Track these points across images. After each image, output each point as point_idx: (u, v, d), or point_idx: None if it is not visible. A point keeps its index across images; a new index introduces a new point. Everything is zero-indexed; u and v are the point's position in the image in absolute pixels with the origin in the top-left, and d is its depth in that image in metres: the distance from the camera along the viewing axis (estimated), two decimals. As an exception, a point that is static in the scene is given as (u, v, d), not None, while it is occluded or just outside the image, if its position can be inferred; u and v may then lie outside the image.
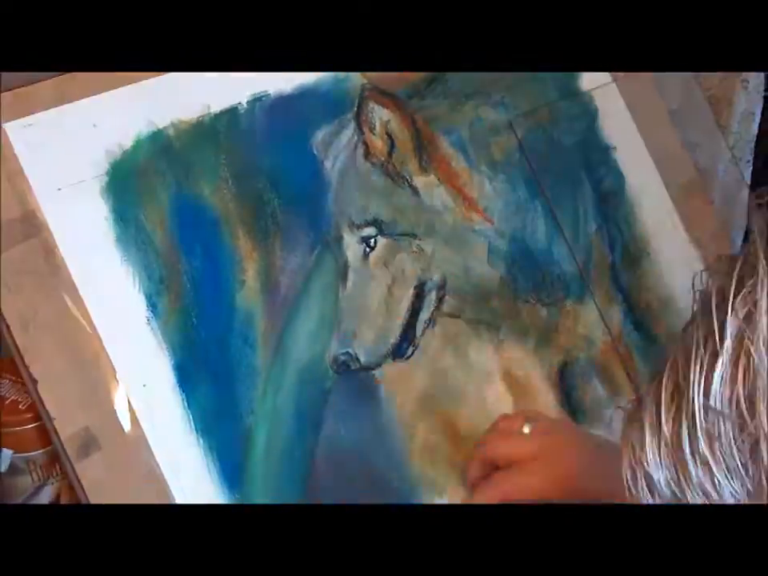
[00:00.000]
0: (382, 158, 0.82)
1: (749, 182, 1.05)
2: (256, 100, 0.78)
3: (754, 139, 1.08)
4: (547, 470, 0.76)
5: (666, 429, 0.44)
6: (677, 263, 0.93)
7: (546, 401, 0.85)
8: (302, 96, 0.79)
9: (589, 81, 0.92)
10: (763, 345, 0.42)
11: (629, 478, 0.46)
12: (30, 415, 0.69)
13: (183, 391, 0.71)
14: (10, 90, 0.69)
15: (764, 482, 0.40)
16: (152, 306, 0.71)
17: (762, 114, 1.07)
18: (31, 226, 0.68)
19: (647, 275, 0.92)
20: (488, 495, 0.76)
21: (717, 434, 0.42)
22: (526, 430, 0.77)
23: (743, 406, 0.41)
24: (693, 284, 0.47)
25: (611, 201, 0.91)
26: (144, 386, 0.70)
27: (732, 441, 0.41)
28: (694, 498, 0.41)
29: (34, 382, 0.67)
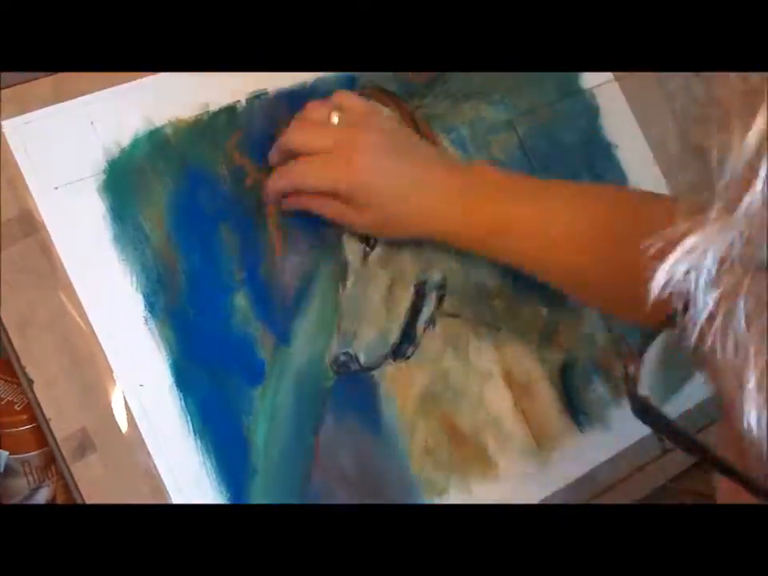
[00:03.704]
0: (382, 157, 0.81)
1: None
2: (255, 98, 0.77)
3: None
4: (341, 164, 0.73)
5: None
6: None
7: (547, 400, 0.84)
8: (301, 94, 0.79)
9: (590, 79, 0.92)
10: None
11: None
12: (25, 416, 0.69)
13: (180, 391, 0.70)
14: (7, 87, 0.68)
15: None
16: (149, 305, 0.71)
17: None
18: (28, 224, 0.68)
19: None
20: (276, 185, 0.75)
21: None
22: (335, 119, 0.75)
23: None
24: None
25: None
26: (141, 386, 0.69)
27: None
28: None
29: (30, 382, 0.66)
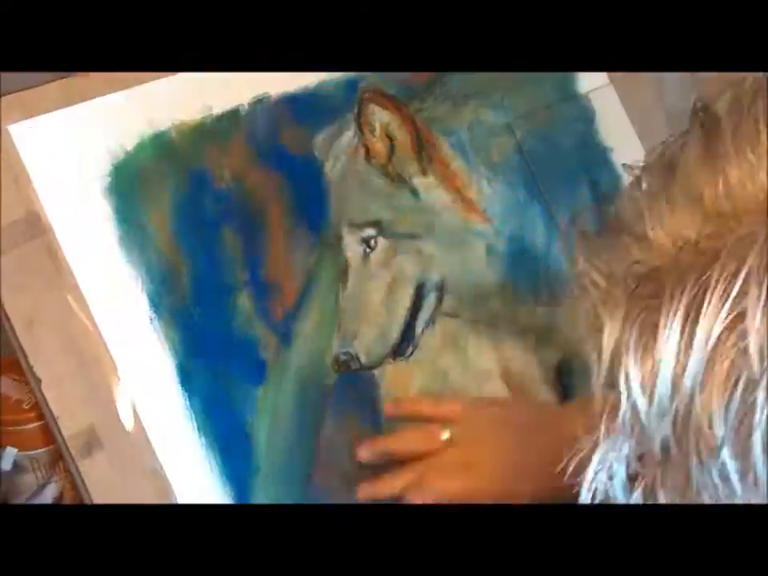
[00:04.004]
0: (382, 160, 0.82)
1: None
2: (257, 101, 0.78)
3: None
4: (467, 470, 0.72)
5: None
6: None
7: (546, 400, 0.85)
8: (303, 98, 0.80)
9: (587, 83, 0.92)
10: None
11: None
12: (33, 414, 0.70)
13: (185, 390, 0.71)
14: (14, 92, 0.69)
15: None
16: (154, 306, 0.71)
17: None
18: (35, 226, 0.69)
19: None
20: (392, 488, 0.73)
21: None
22: (446, 435, 0.74)
23: None
24: None
25: (609, 202, 0.91)
26: (146, 385, 0.70)
27: None
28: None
29: (38, 381, 0.67)
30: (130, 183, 0.72)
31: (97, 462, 0.68)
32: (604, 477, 0.43)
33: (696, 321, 0.40)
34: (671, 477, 0.42)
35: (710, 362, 0.40)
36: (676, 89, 0.98)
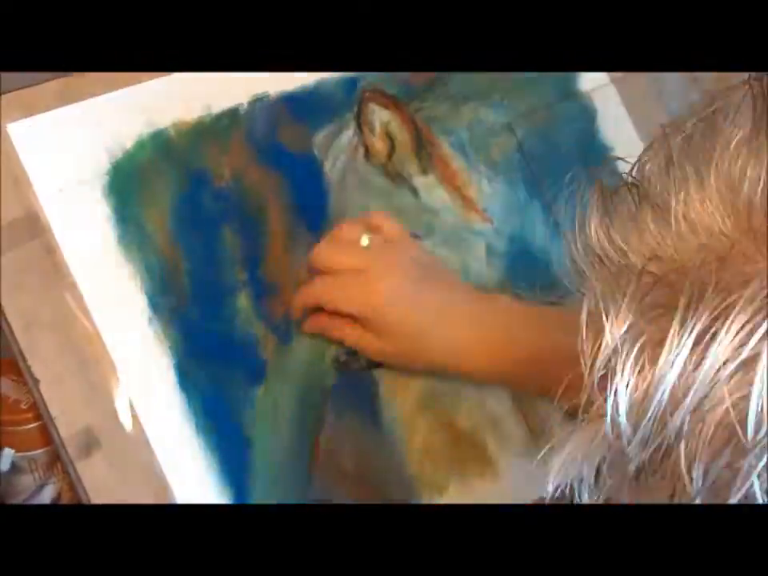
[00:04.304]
0: (382, 159, 0.82)
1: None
2: (257, 101, 0.78)
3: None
4: (365, 288, 0.72)
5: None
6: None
7: (546, 400, 0.85)
8: (302, 97, 0.80)
9: (587, 82, 0.92)
10: None
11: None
12: (31, 415, 0.69)
13: (184, 391, 0.71)
14: (12, 91, 0.69)
15: None
16: (153, 305, 0.71)
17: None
18: (33, 226, 0.69)
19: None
20: (300, 299, 0.74)
21: None
22: (365, 241, 0.74)
23: None
24: None
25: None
26: (145, 385, 0.70)
27: None
28: None
29: (36, 381, 0.67)
30: (128, 182, 0.72)
31: (95, 462, 0.68)
32: (572, 472, 0.42)
33: (710, 343, 0.36)
34: (639, 493, 0.41)
35: (708, 400, 0.36)
36: (677, 88, 0.98)
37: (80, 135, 0.71)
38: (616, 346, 0.39)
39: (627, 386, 0.38)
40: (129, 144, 0.73)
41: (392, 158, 0.82)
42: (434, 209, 0.83)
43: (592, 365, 0.40)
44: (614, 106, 0.93)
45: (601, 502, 0.41)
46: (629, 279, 0.40)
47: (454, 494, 0.79)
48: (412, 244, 0.78)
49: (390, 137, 0.82)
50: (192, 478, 0.70)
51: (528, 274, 0.86)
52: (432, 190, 0.84)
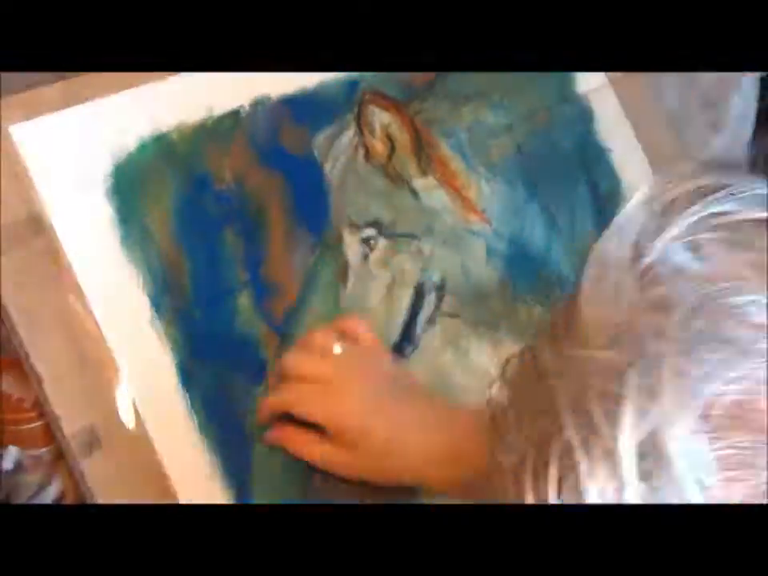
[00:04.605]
0: (382, 160, 0.82)
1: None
2: (258, 103, 0.78)
3: (750, 140, 1.08)
4: (334, 399, 0.70)
5: None
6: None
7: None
8: (303, 98, 0.80)
9: (585, 83, 0.92)
10: None
11: None
12: (34, 413, 0.70)
13: (186, 390, 0.71)
14: (16, 93, 0.69)
15: None
16: (156, 306, 0.72)
17: (757, 115, 1.08)
18: (37, 227, 0.69)
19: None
20: (267, 405, 0.72)
21: None
22: (337, 350, 0.72)
23: None
24: None
25: (608, 203, 0.92)
26: (148, 384, 0.70)
27: None
28: None
29: (39, 380, 0.67)
30: (131, 184, 0.72)
31: (98, 461, 0.68)
32: None
33: None
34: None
35: None
36: (675, 89, 0.98)
37: (83, 137, 0.71)
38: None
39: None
40: (131, 146, 0.73)
41: (392, 160, 0.83)
42: (433, 210, 0.84)
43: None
44: (611, 107, 0.93)
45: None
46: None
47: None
48: (384, 354, 0.76)
49: (390, 138, 0.82)
50: (194, 477, 0.70)
51: (527, 274, 0.87)
52: (432, 191, 0.84)
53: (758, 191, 0.42)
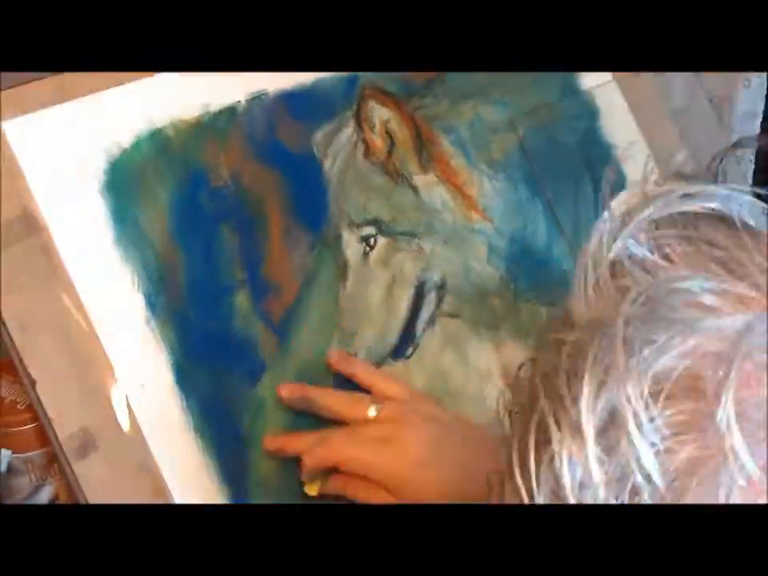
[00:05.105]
0: (382, 157, 0.82)
1: (751, 182, 1.05)
2: (255, 99, 0.78)
3: (757, 138, 1.08)
4: (393, 460, 0.71)
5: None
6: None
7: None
8: (301, 95, 0.79)
9: (590, 80, 0.92)
10: None
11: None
12: (28, 415, 0.69)
13: (182, 391, 0.71)
14: (8, 88, 0.68)
15: None
16: (151, 305, 0.71)
17: (764, 113, 1.07)
18: (30, 225, 0.68)
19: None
20: (317, 458, 0.72)
21: None
22: (372, 413, 0.73)
23: None
24: None
25: (612, 200, 0.91)
26: (142, 385, 0.69)
27: None
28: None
29: (33, 382, 0.67)
30: (126, 181, 0.72)
31: (92, 463, 0.67)
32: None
33: None
34: None
35: None
36: (680, 86, 0.97)
37: (77, 133, 0.71)
38: None
39: None
40: (126, 142, 0.72)
41: (392, 156, 0.82)
42: (434, 207, 0.83)
43: None
44: (616, 103, 0.93)
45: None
46: None
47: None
48: (425, 400, 0.77)
49: (389, 134, 0.82)
50: (190, 478, 0.70)
51: (529, 273, 0.86)
52: (432, 189, 0.83)
53: (721, 192, 0.47)
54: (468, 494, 0.68)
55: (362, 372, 0.76)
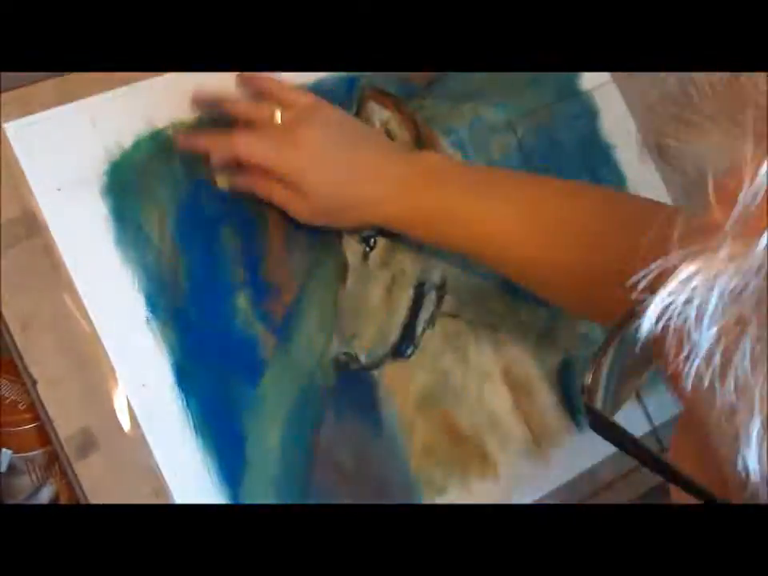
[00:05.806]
0: (382, 158, 0.81)
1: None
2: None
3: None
4: (287, 148, 0.73)
5: None
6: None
7: (546, 400, 0.85)
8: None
9: (589, 80, 0.92)
10: None
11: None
12: (29, 415, 0.69)
13: (182, 391, 0.71)
14: (10, 89, 0.69)
15: None
16: (151, 305, 0.71)
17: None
18: (31, 225, 0.68)
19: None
20: (220, 146, 0.74)
21: None
22: (278, 117, 0.75)
23: None
24: None
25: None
26: (143, 385, 0.70)
27: None
28: None
29: (34, 382, 0.67)
30: (127, 182, 0.72)
31: (93, 463, 0.68)
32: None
33: None
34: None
35: None
36: (679, 86, 0.97)
37: (78, 134, 0.71)
38: None
39: None
40: (127, 143, 0.72)
41: (392, 157, 0.82)
42: (434, 208, 0.83)
43: None
44: (615, 104, 0.93)
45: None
46: None
47: (454, 494, 0.79)
48: (330, 110, 0.77)
49: (390, 135, 0.81)
50: (190, 478, 0.70)
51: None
52: (432, 189, 0.83)
53: None
54: (364, 197, 0.74)
55: (271, 84, 0.77)
